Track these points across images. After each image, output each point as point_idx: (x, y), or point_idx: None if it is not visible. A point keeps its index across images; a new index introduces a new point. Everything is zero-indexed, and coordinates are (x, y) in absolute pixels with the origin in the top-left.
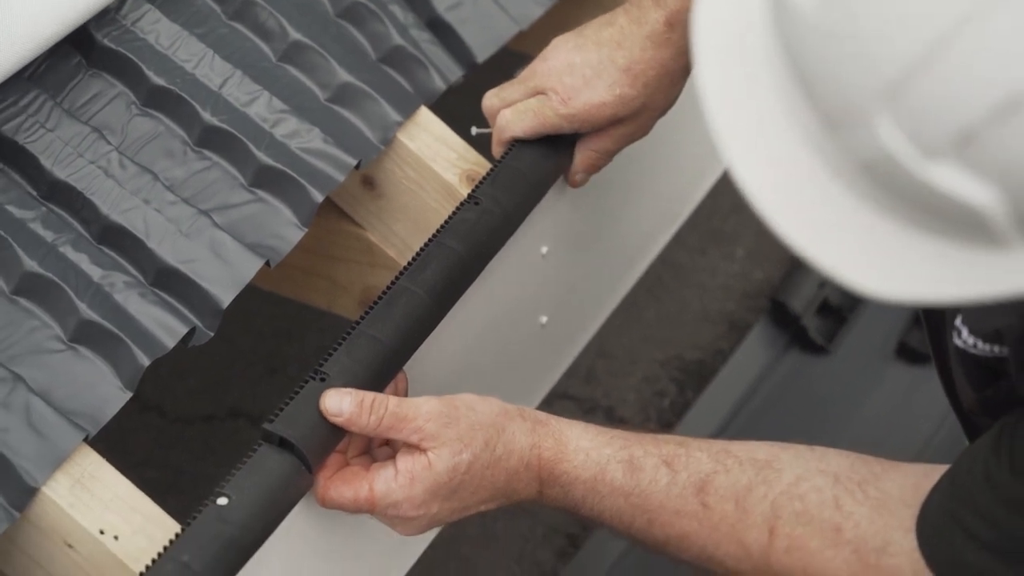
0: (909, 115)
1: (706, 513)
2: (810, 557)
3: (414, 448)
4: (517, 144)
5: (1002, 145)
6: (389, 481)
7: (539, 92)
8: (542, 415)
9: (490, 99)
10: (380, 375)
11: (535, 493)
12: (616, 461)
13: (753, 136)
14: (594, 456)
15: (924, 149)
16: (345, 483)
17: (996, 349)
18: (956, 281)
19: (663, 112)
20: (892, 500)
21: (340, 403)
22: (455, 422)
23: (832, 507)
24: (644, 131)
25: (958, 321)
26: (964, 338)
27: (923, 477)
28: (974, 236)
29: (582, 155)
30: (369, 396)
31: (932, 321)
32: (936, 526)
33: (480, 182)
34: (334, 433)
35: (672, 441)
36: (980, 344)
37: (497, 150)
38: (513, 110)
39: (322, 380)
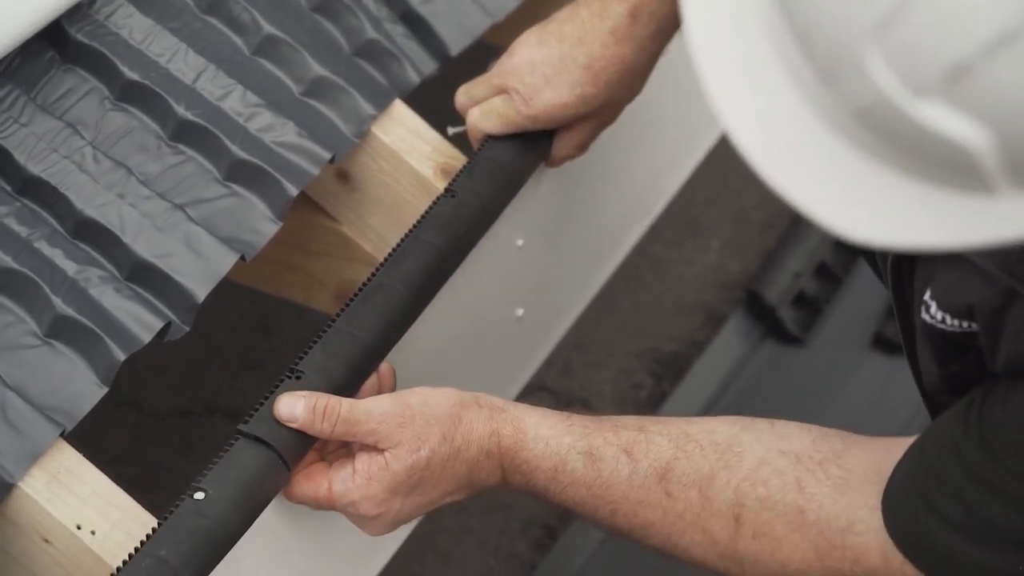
0: (900, 52)
1: (670, 502)
2: (777, 542)
3: (372, 448)
4: (492, 137)
5: (992, 81)
6: (347, 480)
7: (503, 90)
8: (499, 401)
9: (459, 97)
10: (357, 372)
11: (499, 480)
12: (576, 452)
13: (744, 88)
14: (553, 446)
15: (915, 88)
16: (308, 480)
17: (965, 325)
18: (943, 227)
19: (629, 102)
20: (855, 478)
21: (293, 409)
22: (410, 421)
23: (795, 490)
24: (612, 120)
25: (927, 296)
26: (932, 313)
27: (885, 453)
28: (963, 181)
29: (557, 150)
30: (322, 401)
31: (900, 297)
32: (902, 503)
33: (457, 175)
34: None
35: (631, 427)
36: (949, 319)
37: (475, 146)
38: (480, 109)
39: (298, 378)
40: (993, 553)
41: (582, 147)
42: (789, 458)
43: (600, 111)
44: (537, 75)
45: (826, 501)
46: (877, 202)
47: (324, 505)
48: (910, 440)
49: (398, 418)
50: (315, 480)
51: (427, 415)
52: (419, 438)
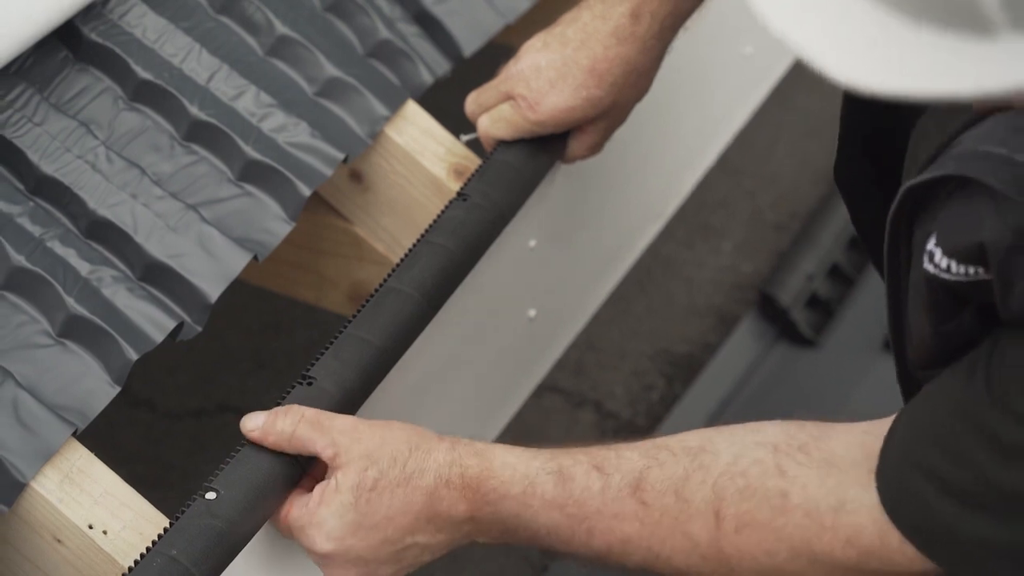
0: None
1: (646, 511)
2: (761, 530)
3: (330, 471)
4: (503, 141)
5: None
6: (303, 504)
7: (510, 96)
8: (463, 439)
9: (469, 104)
10: (369, 377)
11: (464, 514)
12: (545, 473)
13: None
14: (522, 469)
15: None
16: (284, 504)
17: (972, 271)
18: (940, 72)
19: (637, 102)
20: (840, 459)
21: (254, 419)
22: (366, 438)
23: (776, 475)
24: (622, 121)
25: (931, 244)
26: (937, 261)
27: (866, 434)
28: (964, 22)
29: (570, 151)
30: (283, 407)
31: (895, 259)
32: (897, 475)
33: (469, 178)
34: None
35: (600, 447)
36: (955, 266)
37: (489, 150)
38: (489, 117)
39: (309, 384)
40: (1000, 524)
41: (594, 149)
42: (766, 448)
43: (608, 112)
44: (542, 80)
45: (811, 482)
46: (871, 44)
47: (284, 532)
48: (890, 419)
49: (355, 432)
50: (283, 505)
51: (384, 436)
52: (369, 457)
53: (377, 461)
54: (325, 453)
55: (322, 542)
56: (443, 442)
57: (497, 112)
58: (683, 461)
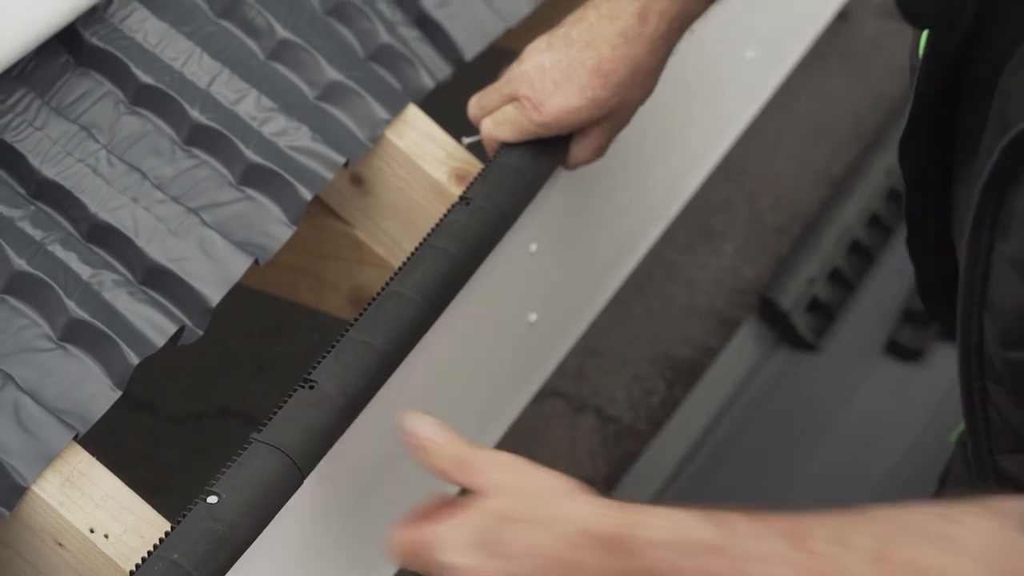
0: None
1: None
2: None
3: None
4: (506, 144)
5: None
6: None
7: (514, 98)
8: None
9: (472, 107)
10: (371, 380)
11: None
12: None
13: None
14: None
15: None
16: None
17: None
18: None
19: (641, 103)
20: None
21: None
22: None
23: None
24: (626, 122)
25: None
26: None
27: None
28: None
29: (573, 155)
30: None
31: (980, 227)
32: None
33: (472, 182)
34: (323, 442)
35: None
36: None
37: (492, 154)
38: (492, 119)
39: (311, 388)
40: None
41: (598, 152)
42: None
43: (612, 114)
44: (547, 81)
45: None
46: None
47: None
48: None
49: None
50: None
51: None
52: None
53: None
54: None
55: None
56: None
57: (501, 114)
58: None
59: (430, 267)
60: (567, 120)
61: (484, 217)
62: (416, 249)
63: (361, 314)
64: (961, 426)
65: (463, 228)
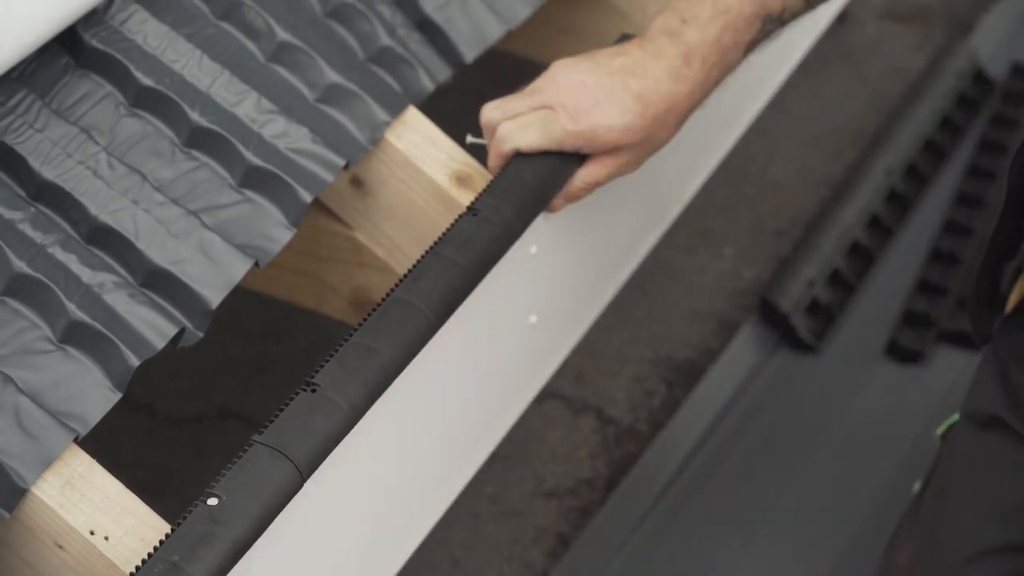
0: None
1: None
2: None
3: None
4: (519, 155)
5: None
6: None
7: (546, 107)
8: None
9: (491, 111)
10: (374, 386)
11: None
12: None
13: None
14: None
15: None
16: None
17: None
18: None
19: (659, 148)
20: None
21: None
22: None
23: None
24: (636, 165)
25: None
26: None
27: None
28: None
29: (578, 177)
30: None
31: None
32: None
33: (480, 193)
34: (324, 445)
35: None
36: None
37: (494, 163)
38: (516, 122)
39: (313, 391)
40: None
41: (595, 185)
42: None
43: (635, 146)
44: (588, 97)
45: None
46: None
47: None
48: None
49: None
50: None
51: None
52: None
53: None
54: None
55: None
56: None
57: (527, 119)
58: None
59: (436, 276)
60: (599, 137)
61: (491, 230)
62: (422, 257)
63: (365, 319)
64: (950, 419)
65: (470, 239)
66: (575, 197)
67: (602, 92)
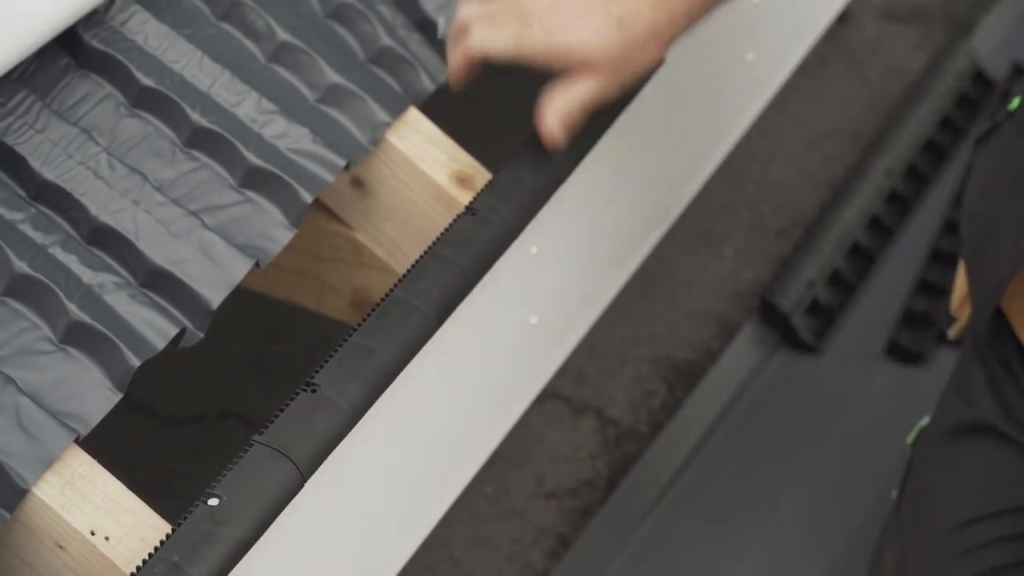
0: None
1: None
2: None
3: None
4: (516, 155)
5: None
6: None
7: (522, 16)
8: None
9: (467, 8)
10: (373, 385)
11: None
12: None
13: None
14: None
15: None
16: None
17: None
18: None
19: (641, 72)
20: None
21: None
22: None
23: None
24: (615, 87)
25: None
26: None
27: None
28: None
29: (555, 104)
30: None
31: None
32: None
33: (479, 193)
34: (325, 445)
35: None
36: None
37: (457, 62)
38: (490, 26)
39: (313, 391)
40: None
41: (582, 106)
42: None
43: (606, 68)
44: (567, 11)
45: None
46: None
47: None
48: None
49: None
50: None
51: None
52: None
53: None
54: None
55: None
56: None
57: (502, 25)
58: None
59: (434, 276)
60: (571, 55)
61: (489, 230)
62: (420, 258)
63: (365, 319)
64: (921, 422)
65: (468, 239)
66: (569, 120)
67: (581, 10)
